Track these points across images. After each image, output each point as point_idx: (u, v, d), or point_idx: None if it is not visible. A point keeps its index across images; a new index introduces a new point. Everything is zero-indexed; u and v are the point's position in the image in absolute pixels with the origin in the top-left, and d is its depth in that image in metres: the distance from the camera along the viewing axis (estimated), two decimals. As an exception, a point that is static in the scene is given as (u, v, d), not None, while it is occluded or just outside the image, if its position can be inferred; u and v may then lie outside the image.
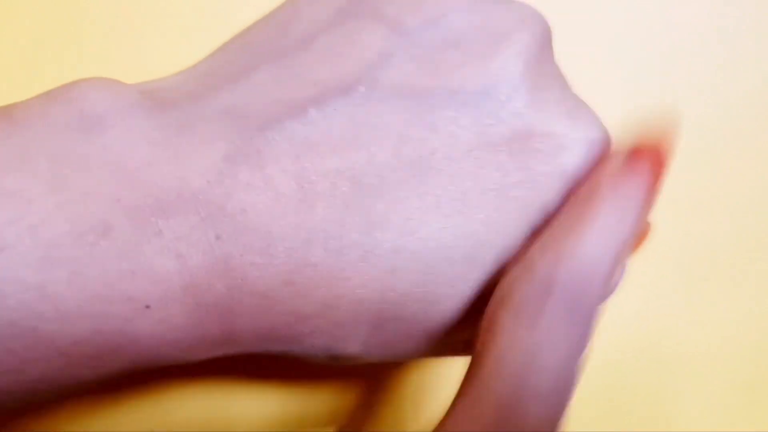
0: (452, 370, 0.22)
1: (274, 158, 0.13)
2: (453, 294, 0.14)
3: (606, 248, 0.13)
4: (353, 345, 0.14)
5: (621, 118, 0.22)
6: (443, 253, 0.14)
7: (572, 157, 0.14)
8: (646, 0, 0.23)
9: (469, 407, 0.13)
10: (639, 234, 0.18)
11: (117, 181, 0.12)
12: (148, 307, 0.12)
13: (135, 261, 0.12)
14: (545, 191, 0.14)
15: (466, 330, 0.15)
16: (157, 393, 0.21)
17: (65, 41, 0.22)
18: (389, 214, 0.13)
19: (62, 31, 0.22)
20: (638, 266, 0.22)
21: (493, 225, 0.14)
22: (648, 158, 0.14)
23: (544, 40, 0.15)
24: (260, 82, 0.14)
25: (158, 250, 0.12)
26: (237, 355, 0.15)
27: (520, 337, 0.13)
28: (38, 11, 0.22)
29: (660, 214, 0.22)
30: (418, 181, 0.14)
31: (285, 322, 0.14)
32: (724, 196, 0.23)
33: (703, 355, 0.22)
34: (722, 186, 0.23)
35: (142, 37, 0.22)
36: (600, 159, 0.15)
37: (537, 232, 0.14)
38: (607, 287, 0.13)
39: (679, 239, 0.22)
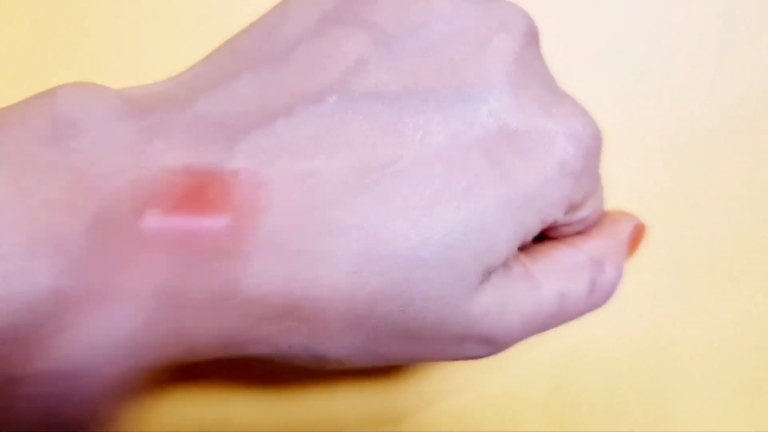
0: (453, 371, 0.22)
1: (233, 168, 0.13)
2: (429, 293, 0.14)
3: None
4: (333, 345, 0.14)
5: (619, 118, 0.22)
6: (412, 255, 0.14)
7: (549, 148, 0.15)
8: (646, 0, 0.23)
9: None
10: (636, 235, 0.18)
11: (79, 190, 0.12)
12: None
13: (90, 275, 0.12)
14: (524, 184, 0.14)
15: (452, 328, 0.15)
16: (154, 395, 0.21)
17: (63, 45, 0.22)
18: (351, 219, 0.13)
19: (60, 34, 0.22)
20: (638, 266, 0.22)
21: (468, 225, 0.14)
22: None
23: (527, 39, 0.15)
24: (239, 91, 0.14)
25: (115, 262, 0.12)
26: (217, 359, 0.15)
27: None
28: (36, 14, 0.22)
29: (660, 214, 0.22)
30: (384, 186, 0.14)
31: (252, 325, 0.14)
32: (724, 196, 0.23)
33: (702, 355, 0.22)
34: (722, 186, 0.23)
35: (142, 40, 0.22)
36: (586, 150, 0.15)
37: (525, 225, 0.15)
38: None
39: (679, 239, 0.22)
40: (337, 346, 0.14)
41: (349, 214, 0.13)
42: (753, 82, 0.23)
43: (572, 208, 0.16)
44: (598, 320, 0.21)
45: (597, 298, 0.17)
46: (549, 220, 0.15)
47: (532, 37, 0.15)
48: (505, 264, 0.16)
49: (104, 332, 0.12)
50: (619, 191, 0.22)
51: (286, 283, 0.13)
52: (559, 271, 0.16)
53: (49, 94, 0.13)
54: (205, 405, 0.21)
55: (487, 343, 0.15)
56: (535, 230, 0.15)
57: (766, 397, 0.22)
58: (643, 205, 0.22)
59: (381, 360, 0.15)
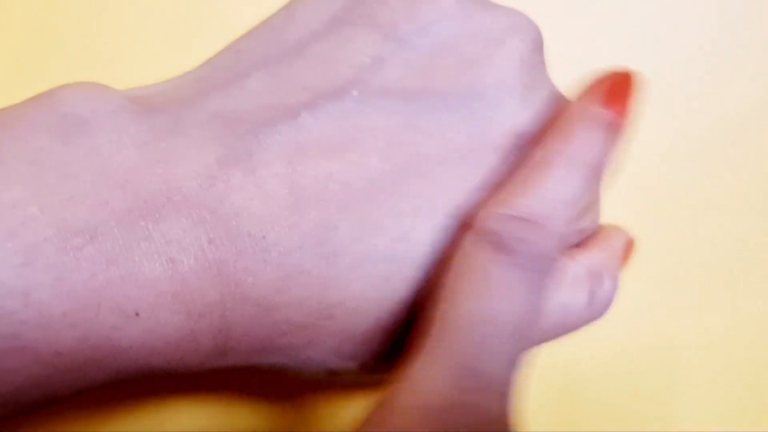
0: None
1: (265, 162, 0.13)
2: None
3: (559, 193, 0.13)
4: (350, 357, 0.14)
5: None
6: (437, 258, 0.13)
7: None
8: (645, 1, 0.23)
9: (426, 368, 0.13)
10: (627, 249, 0.18)
11: (104, 185, 0.12)
12: (137, 314, 0.12)
13: (123, 266, 0.12)
14: None
15: None
16: (153, 404, 0.20)
17: (59, 47, 0.21)
18: (382, 219, 0.13)
19: (57, 38, 0.22)
20: (638, 266, 0.22)
21: None
22: (613, 95, 0.15)
23: (536, 45, 0.15)
24: (252, 88, 0.14)
25: (148, 255, 0.12)
26: (231, 367, 0.14)
27: (474, 297, 0.13)
28: (34, 18, 0.22)
29: (660, 214, 0.22)
30: (411, 186, 0.13)
31: (279, 332, 0.13)
32: (725, 197, 0.23)
33: (702, 356, 0.22)
34: (722, 186, 0.23)
35: (139, 44, 0.22)
36: None
37: None
38: (566, 230, 0.14)
39: (678, 239, 0.22)
40: (353, 358, 0.14)
41: (381, 214, 0.13)
42: (751, 84, 0.23)
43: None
44: (599, 321, 0.21)
45: (596, 309, 0.17)
46: None
47: (538, 44, 0.15)
48: None
49: (146, 333, 0.12)
50: (620, 192, 0.22)
51: (323, 288, 0.13)
52: (560, 282, 0.16)
53: (53, 93, 0.13)
54: (206, 415, 0.21)
55: None
56: None
57: (766, 397, 0.22)
58: (643, 207, 0.22)
59: (374, 370, 0.15)
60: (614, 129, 0.14)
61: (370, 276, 0.13)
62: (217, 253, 0.12)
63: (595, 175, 0.14)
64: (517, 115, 0.15)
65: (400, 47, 0.14)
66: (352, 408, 0.21)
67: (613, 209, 0.22)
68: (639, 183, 0.23)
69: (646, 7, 0.23)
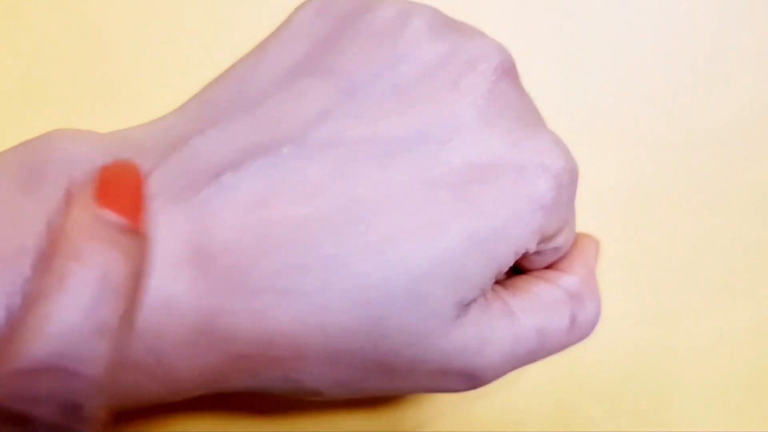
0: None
1: (219, 215, 0.13)
2: (400, 327, 0.14)
3: None
4: (310, 381, 0.15)
5: (617, 120, 0.22)
6: (378, 290, 0.14)
7: (518, 182, 0.15)
8: (645, 2, 0.23)
9: None
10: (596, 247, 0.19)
11: (47, 240, 0.12)
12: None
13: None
14: (491, 217, 0.14)
15: (428, 363, 0.15)
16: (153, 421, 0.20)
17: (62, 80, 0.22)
18: (306, 258, 0.13)
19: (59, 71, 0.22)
20: (638, 266, 0.22)
21: (435, 259, 0.14)
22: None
23: (499, 73, 0.15)
24: (199, 149, 0.14)
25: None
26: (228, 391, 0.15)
27: None
28: (34, 49, 0.22)
29: (660, 214, 0.22)
30: (342, 227, 0.14)
31: (234, 365, 0.14)
32: (724, 199, 0.22)
33: (702, 356, 0.22)
34: (721, 189, 0.22)
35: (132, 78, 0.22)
36: (558, 183, 0.15)
37: (496, 257, 0.15)
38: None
39: (678, 239, 0.22)
40: (315, 379, 0.15)
41: (312, 252, 0.13)
42: (749, 85, 0.23)
43: (545, 239, 0.16)
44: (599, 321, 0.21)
45: (579, 332, 0.17)
46: (521, 252, 0.15)
47: (504, 70, 0.15)
48: (485, 298, 0.16)
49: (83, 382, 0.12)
50: (620, 192, 0.22)
51: (256, 320, 0.13)
52: (537, 306, 0.16)
53: (41, 140, 0.14)
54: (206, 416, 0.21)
55: (467, 379, 0.15)
56: (509, 262, 0.15)
57: (766, 397, 0.22)
58: (643, 207, 0.22)
59: (361, 392, 0.15)
60: None
61: (301, 307, 0.14)
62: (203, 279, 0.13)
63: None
64: (470, 151, 0.15)
65: (350, 98, 0.15)
66: (343, 412, 0.21)
67: (612, 211, 0.22)
68: (638, 184, 0.22)
69: (646, 7, 0.23)
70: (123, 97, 0.22)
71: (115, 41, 0.22)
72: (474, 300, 0.15)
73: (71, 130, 0.14)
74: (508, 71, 0.15)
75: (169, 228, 0.13)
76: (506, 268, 0.15)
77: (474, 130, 0.15)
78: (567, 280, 0.17)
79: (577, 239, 0.19)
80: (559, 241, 0.16)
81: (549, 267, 0.18)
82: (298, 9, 0.16)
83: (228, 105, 0.15)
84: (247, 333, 0.13)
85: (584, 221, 0.19)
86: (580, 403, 0.22)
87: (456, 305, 0.14)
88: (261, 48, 0.16)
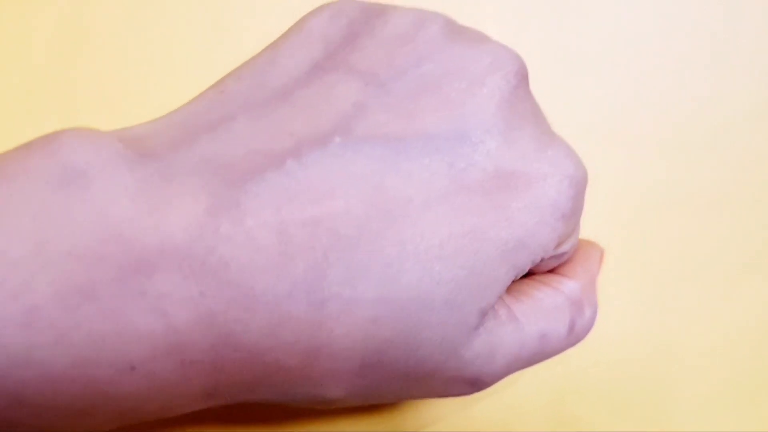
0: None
1: (253, 211, 0.13)
2: (433, 339, 0.14)
3: None
4: (335, 392, 0.14)
5: (620, 118, 0.23)
6: (423, 301, 0.14)
7: (545, 191, 0.15)
8: (645, 2, 0.23)
9: None
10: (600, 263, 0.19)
11: (99, 239, 0.12)
12: (133, 368, 0.12)
13: (120, 322, 0.12)
14: (520, 226, 0.14)
15: (447, 371, 0.15)
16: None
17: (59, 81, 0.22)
18: (369, 264, 0.13)
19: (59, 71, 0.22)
20: (638, 266, 0.22)
21: (471, 268, 0.14)
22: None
23: (518, 79, 0.15)
24: (239, 131, 0.14)
25: (143, 310, 0.12)
26: (220, 406, 0.15)
27: None
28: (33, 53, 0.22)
29: (661, 215, 0.22)
30: (396, 230, 0.13)
31: (268, 373, 0.14)
32: (725, 197, 0.23)
33: (702, 355, 0.22)
34: (722, 187, 0.23)
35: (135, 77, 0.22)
36: (577, 192, 0.15)
37: (516, 266, 0.15)
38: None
39: (679, 238, 0.22)
40: (337, 391, 0.14)
41: (368, 258, 0.13)
42: (755, 86, 0.23)
43: (557, 245, 0.16)
44: (599, 320, 0.21)
45: (575, 337, 0.17)
46: (538, 259, 0.15)
47: (522, 77, 0.15)
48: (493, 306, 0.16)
49: (141, 384, 0.13)
50: (620, 191, 0.22)
51: (311, 332, 0.13)
52: (540, 311, 0.16)
53: (50, 141, 0.13)
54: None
55: (473, 384, 0.16)
56: (525, 270, 0.15)
57: (766, 397, 0.22)
58: (644, 206, 0.22)
59: (375, 399, 0.15)
60: None
61: (357, 319, 0.13)
62: (208, 305, 0.13)
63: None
64: (500, 156, 0.14)
65: (380, 92, 0.14)
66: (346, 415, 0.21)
67: (612, 213, 0.22)
68: (638, 186, 0.23)
69: (645, 7, 0.23)
70: (122, 98, 0.22)
71: (114, 42, 0.22)
72: (491, 307, 0.15)
73: (86, 129, 0.14)
74: (525, 78, 0.16)
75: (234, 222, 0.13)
76: (521, 275, 0.15)
77: (501, 133, 0.15)
78: (569, 285, 0.17)
79: (580, 245, 0.19)
80: (567, 246, 0.16)
81: (551, 270, 0.18)
82: (309, 15, 0.16)
83: (251, 97, 0.14)
84: (299, 345, 0.13)
85: (585, 222, 0.19)
86: (580, 403, 0.22)
87: (479, 313, 0.15)
88: (275, 47, 0.16)
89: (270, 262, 0.13)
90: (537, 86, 0.17)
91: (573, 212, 0.15)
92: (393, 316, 0.13)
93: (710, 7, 0.23)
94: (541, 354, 0.16)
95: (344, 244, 0.13)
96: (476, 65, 0.15)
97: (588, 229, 0.21)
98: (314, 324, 0.13)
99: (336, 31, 0.15)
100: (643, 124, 0.23)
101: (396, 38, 0.15)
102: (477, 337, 0.15)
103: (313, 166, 0.13)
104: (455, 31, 0.16)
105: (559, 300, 0.17)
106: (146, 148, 0.13)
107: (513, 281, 0.17)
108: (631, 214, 0.22)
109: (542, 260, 0.16)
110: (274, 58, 0.15)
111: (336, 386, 0.14)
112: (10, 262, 0.12)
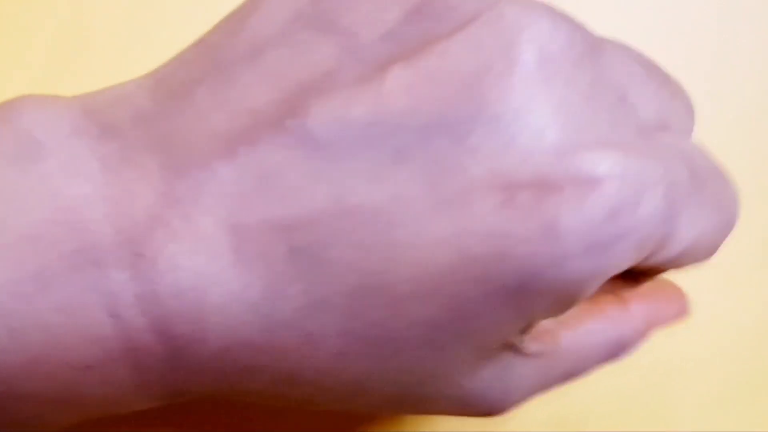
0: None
1: (205, 207, 0.11)
2: (416, 372, 0.12)
3: None
4: (324, 402, 0.13)
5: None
6: (395, 342, 0.12)
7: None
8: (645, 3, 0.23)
9: None
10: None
11: (54, 220, 0.11)
12: (88, 367, 0.12)
13: (73, 319, 0.11)
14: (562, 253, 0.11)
15: (446, 399, 0.13)
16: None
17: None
18: (332, 290, 0.11)
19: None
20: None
21: (462, 309, 0.12)
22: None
23: (567, 50, 0.11)
24: (200, 103, 0.12)
25: (95, 307, 0.11)
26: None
27: None
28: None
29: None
30: (357, 240, 0.11)
31: (231, 385, 0.13)
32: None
33: (702, 355, 0.22)
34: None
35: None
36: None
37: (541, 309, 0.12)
38: None
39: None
40: (326, 402, 0.13)
41: (329, 281, 0.11)
42: (752, 83, 0.23)
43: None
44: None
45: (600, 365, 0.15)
46: (577, 299, 0.12)
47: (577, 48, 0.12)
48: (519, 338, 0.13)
49: (100, 384, 0.12)
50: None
51: (271, 360, 0.12)
52: (579, 351, 0.14)
53: (8, 108, 0.12)
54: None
55: (484, 413, 0.14)
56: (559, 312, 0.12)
57: (766, 397, 0.22)
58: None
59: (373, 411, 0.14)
60: None
61: (320, 354, 0.12)
62: (160, 311, 0.11)
63: None
64: (547, 150, 0.11)
65: (355, 58, 0.12)
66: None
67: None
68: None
69: (645, 7, 0.23)
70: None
71: (114, 42, 0.22)
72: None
73: (46, 96, 0.12)
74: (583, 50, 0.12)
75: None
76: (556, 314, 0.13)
77: (547, 118, 0.11)
78: (628, 324, 0.14)
79: (665, 284, 0.16)
80: (676, 248, 0.13)
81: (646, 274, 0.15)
82: None
83: (223, 51, 0.12)
84: (250, 370, 0.12)
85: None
86: (580, 403, 0.22)
87: (478, 351, 0.13)
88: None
89: (223, 273, 0.11)
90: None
91: (609, 243, 0.11)
92: (361, 352, 0.12)
93: (710, 7, 0.23)
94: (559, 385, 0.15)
95: (307, 254, 0.11)
96: (508, 28, 0.11)
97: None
98: (271, 350, 0.12)
99: None
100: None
101: None
102: (482, 369, 0.13)
103: (270, 158, 0.11)
104: None
105: (608, 337, 0.14)
106: (109, 122, 0.12)
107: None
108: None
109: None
110: (256, 5, 0.13)
111: (324, 403, 0.13)
112: None
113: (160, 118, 0.12)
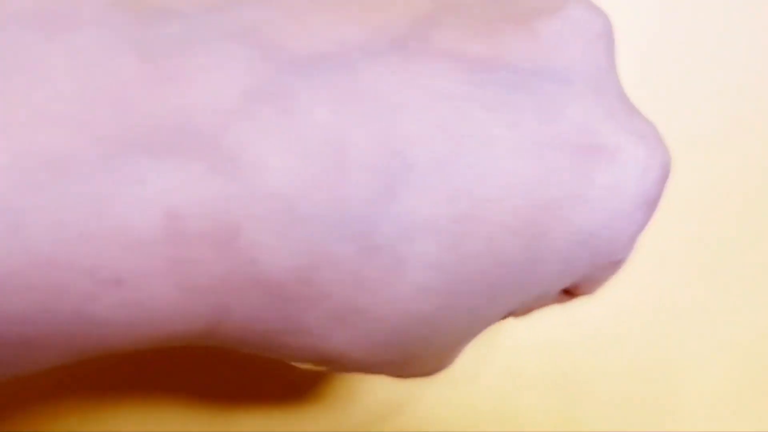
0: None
1: (305, 105, 0.10)
2: (475, 317, 0.12)
3: None
4: (350, 355, 0.12)
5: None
6: (492, 278, 0.11)
7: (630, 168, 0.12)
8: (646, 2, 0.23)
9: None
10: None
11: (87, 100, 0.09)
12: (119, 282, 0.09)
13: (105, 216, 0.09)
14: (600, 210, 0.12)
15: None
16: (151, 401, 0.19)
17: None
18: (436, 212, 0.10)
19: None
20: (639, 266, 0.22)
21: (536, 250, 0.12)
22: None
23: (612, 43, 0.13)
24: (299, 1, 0.10)
25: (140, 203, 0.09)
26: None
27: None
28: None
29: (662, 212, 0.22)
30: (469, 165, 0.10)
31: (284, 330, 0.11)
32: (726, 196, 0.23)
33: (703, 355, 0.22)
34: (724, 185, 0.23)
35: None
36: (661, 176, 0.12)
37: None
38: None
39: (680, 238, 0.22)
40: (354, 355, 0.12)
41: (433, 202, 0.10)
42: (753, 82, 0.23)
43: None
44: (599, 319, 0.21)
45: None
46: (601, 260, 0.12)
47: (613, 44, 0.13)
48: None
49: (128, 306, 0.09)
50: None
51: (352, 289, 0.10)
52: None
53: None
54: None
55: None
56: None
57: (766, 397, 0.22)
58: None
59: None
60: None
61: (405, 285, 0.11)
62: (231, 216, 0.09)
63: None
64: (594, 114, 0.12)
65: (455, 9, 0.11)
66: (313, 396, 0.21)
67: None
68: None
69: (645, 7, 0.23)
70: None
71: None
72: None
73: None
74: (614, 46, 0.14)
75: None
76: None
77: (598, 89, 0.12)
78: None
79: None
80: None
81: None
82: None
83: None
84: (322, 299, 0.10)
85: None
86: (581, 403, 0.21)
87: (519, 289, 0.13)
88: None
89: (319, 178, 0.10)
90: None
91: (655, 201, 0.12)
92: (442, 289, 0.11)
93: (710, 7, 0.23)
94: None
95: (412, 175, 0.10)
96: (575, 12, 0.12)
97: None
98: (355, 279, 0.10)
99: None
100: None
101: None
102: None
103: (385, 71, 0.10)
104: None
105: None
106: (167, 6, 0.10)
107: None
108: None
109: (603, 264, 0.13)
110: None
111: (352, 356, 0.11)
112: None
113: (238, 7, 0.10)
